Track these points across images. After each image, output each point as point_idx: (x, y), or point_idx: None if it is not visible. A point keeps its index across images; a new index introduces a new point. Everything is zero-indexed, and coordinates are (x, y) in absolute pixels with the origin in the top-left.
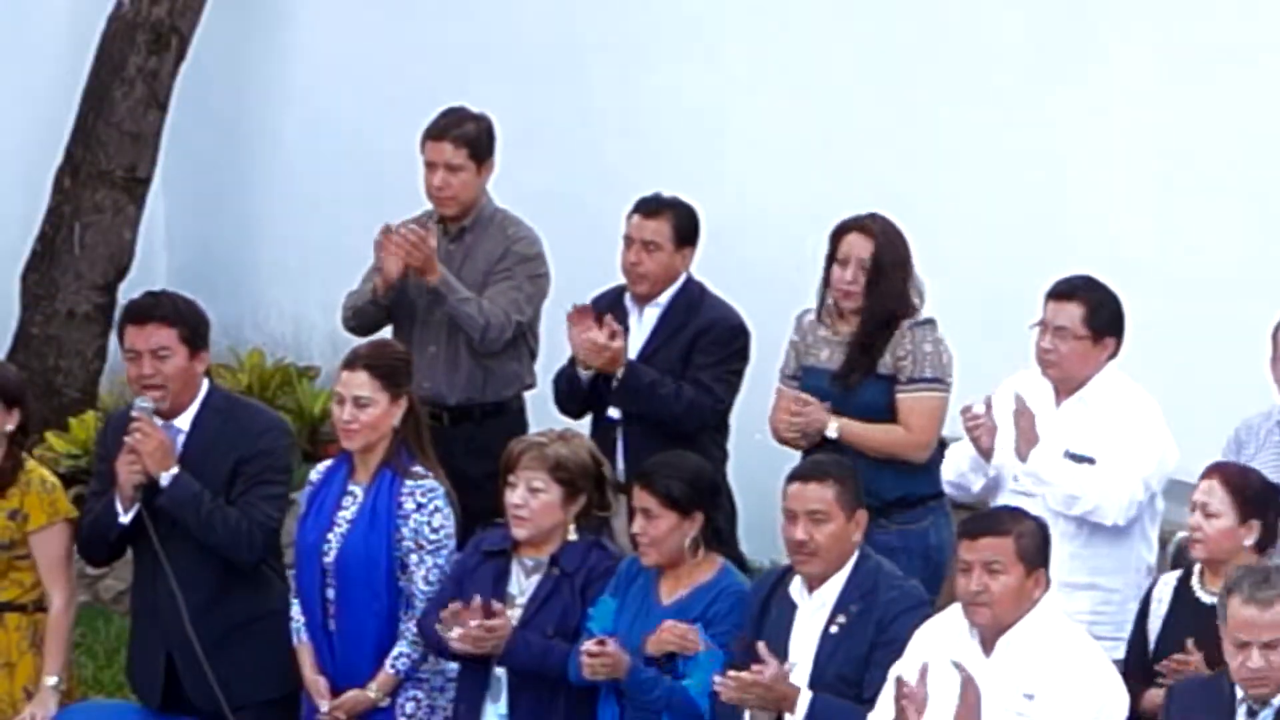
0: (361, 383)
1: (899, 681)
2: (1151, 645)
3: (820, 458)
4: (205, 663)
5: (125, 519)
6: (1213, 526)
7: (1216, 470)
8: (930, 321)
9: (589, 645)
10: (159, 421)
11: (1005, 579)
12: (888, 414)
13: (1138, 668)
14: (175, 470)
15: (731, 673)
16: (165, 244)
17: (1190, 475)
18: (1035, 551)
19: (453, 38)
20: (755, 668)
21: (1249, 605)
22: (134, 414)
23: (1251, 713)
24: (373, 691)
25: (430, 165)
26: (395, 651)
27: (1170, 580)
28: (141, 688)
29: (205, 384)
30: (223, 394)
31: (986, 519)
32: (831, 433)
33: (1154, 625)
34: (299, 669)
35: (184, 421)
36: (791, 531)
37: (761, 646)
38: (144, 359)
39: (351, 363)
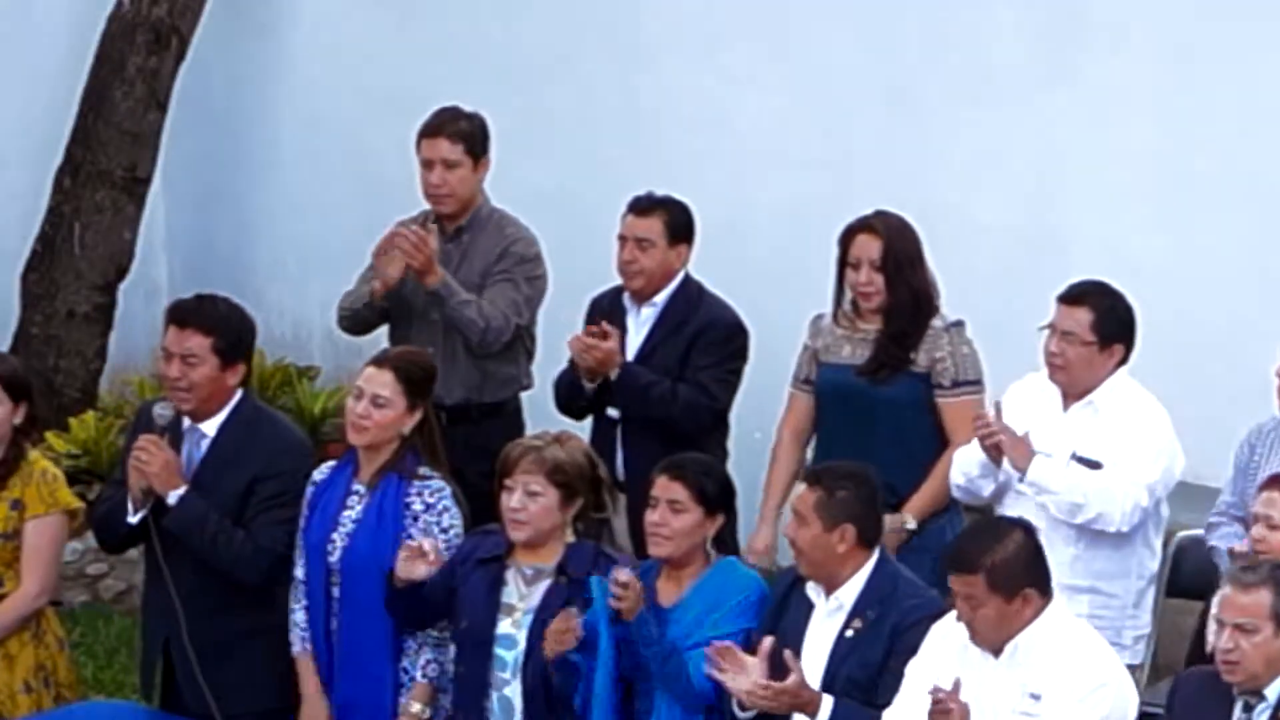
0: (385, 382)
1: (937, 698)
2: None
3: (839, 464)
4: (199, 672)
5: (133, 520)
6: (1276, 538)
7: (1276, 481)
8: (961, 323)
9: (619, 578)
10: (185, 423)
11: (984, 611)
12: (917, 410)
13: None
14: (182, 490)
15: (763, 681)
16: (165, 244)
17: (1193, 478)
18: (1018, 575)
19: (453, 38)
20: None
21: (1231, 584)
22: (155, 414)
23: (1248, 707)
24: (415, 708)
25: (426, 163)
26: (421, 660)
27: None
28: (144, 681)
29: (239, 393)
30: (253, 405)
31: (957, 555)
32: (910, 524)
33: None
34: (297, 683)
35: (210, 427)
36: None
37: (789, 654)
38: (174, 361)
39: (380, 361)
